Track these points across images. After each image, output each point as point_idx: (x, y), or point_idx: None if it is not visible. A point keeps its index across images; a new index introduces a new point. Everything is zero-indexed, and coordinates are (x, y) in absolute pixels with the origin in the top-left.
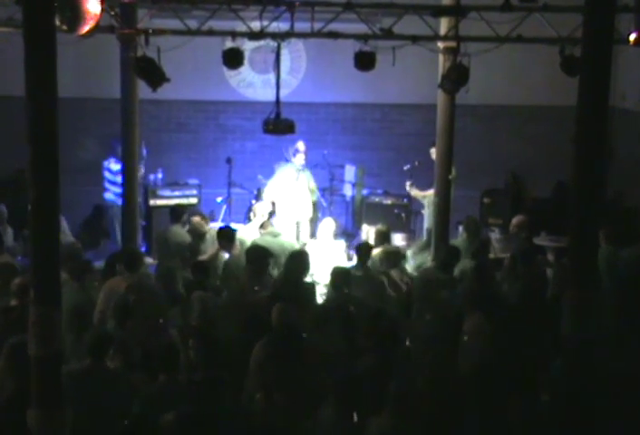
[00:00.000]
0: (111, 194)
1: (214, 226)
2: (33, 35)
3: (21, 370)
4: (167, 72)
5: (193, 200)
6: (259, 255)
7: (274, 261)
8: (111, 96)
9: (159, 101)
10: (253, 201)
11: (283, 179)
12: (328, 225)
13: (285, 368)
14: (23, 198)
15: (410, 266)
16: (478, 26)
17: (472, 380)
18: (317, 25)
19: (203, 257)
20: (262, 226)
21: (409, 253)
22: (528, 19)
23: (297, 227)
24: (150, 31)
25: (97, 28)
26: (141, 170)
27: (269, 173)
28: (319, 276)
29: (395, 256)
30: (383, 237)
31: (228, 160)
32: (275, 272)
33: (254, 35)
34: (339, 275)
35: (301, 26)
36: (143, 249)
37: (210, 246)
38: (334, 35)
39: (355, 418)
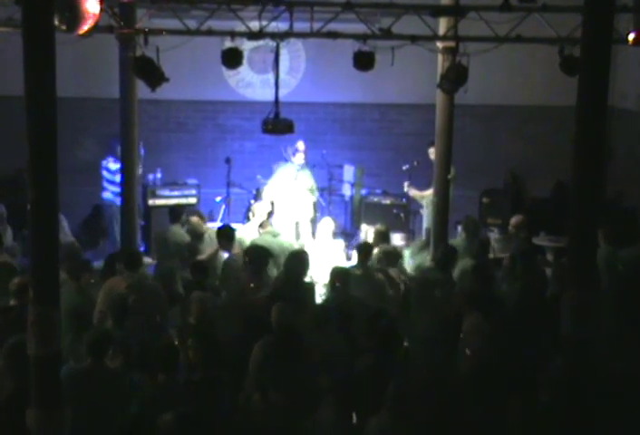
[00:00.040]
0: (110, 193)
1: (213, 225)
2: (33, 35)
3: (20, 370)
4: (166, 72)
5: (192, 200)
6: (259, 254)
7: (273, 261)
8: (109, 96)
9: (158, 100)
10: (252, 201)
11: (282, 179)
12: (327, 225)
13: (284, 368)
14: (22, 198)
15: (409, 266)
16: (477, 26)
17: (471, 380)
18: (316, 25)
19: (202, 257)
20: (261, 225)
21: (408, 253)
22: (527, 19)
23: (296, 227)
24: (148, 30)
25: (96, 28)
26: (139, 170)
27: (268, 173)
28: (318, 276)
29: (393, 256)
30: (382, 237)
31: (227, 160)
32: (274, 272)
33: (253, 35)
34: (338, 275)
35: (300, 26)
36: (142, 249)
37: (209, 246)
38: (333, 35)
39: (354, 418)
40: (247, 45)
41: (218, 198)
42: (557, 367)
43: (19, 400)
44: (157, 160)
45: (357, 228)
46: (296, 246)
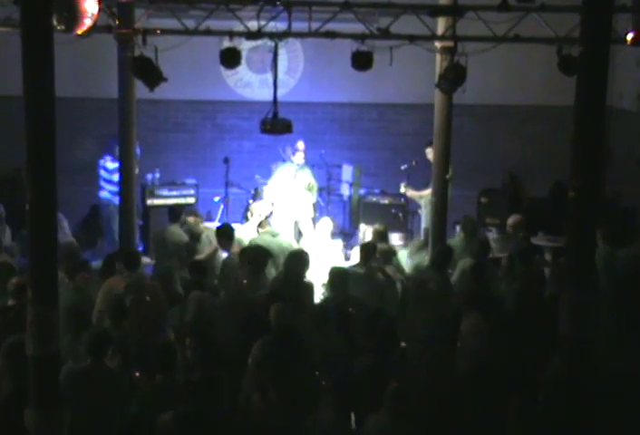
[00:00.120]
0: (107, 192)
1: (211, 225)
2: (31, 35)
3: (19, 370)
4: (164, 72)
5: (191, 200)
6: (258, 254)
7: (272, 261)
8: (108, 96)
9: (156, 100)
10: (250, 201)
11: (282, 178)
12: (325, 224)
13: (283, 368)
14: (20, 198)
15: (407, 266)
16: (475, 26)
17: (471, 380)
18: (315, 25)
19: (200, 257)
20: (260, 225)
21: (406, 252)
22: (525, 19)
23: (295, 226)
24: (144, 30)
25: (94, 28)
26: (136, 170)
27: (267, 173)
28: (316, 276)
29: (387, 253)
30: (381, 237)
31: (226, 160)
32: (272, 271)
33: (251, 35)
34: (337, 275)
35: (298, 26)
36: (141, 249)
37: (207, 246)
38: (331, 35)
39: (353, 417)
40: (245, 45)
41: (217, 198)
42: (555, 367)
43: (18, 400)
44: (155, 160)
45: (356, 228)
46: (295, 245)
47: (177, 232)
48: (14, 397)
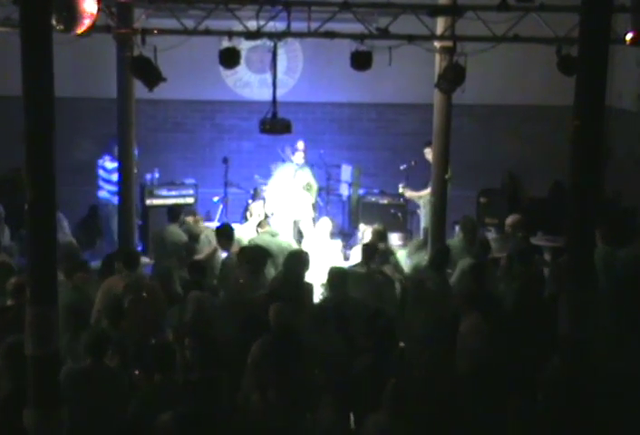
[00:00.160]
0: (106, 192)
1: (210, 225)
2: (30, 35)
3: (17, 370)
4: (163, 72)
5: (190, 200)
6: (257, 254)
7: (271, 260)
8: (107, 96)
9: (155, 100)
10: (249, 201)
11: (281, 178)
12: (325, 224)
13: (282, 368)
14: (19, 198)
15: (406, 266)
16: (474, 26)
17: (470, 380)
18: (314, 25)
19: (200, 257)
20: (259, 225)
21: (405, 253)
22: (524, 19)
23: (295, 226)
24: (143, 30)
25: (93, 28)
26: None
27: (266, 173)
28: (316, 276)
29: (385, 253)
30: (380, 237)
31: (225, 160)
32: (272, 271)
33: (250, 35)
34: (336, 275)
35: (298, 26)
36: (140, 249)
37: (206, 246)
38: (330, 35)
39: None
40: (244, 45)
41: (216, 198)
42: (554, 367)
43: (17, 400)
44: (154, 160)
45: (355, 228)
46: (295, 245)
47: (176, 232)
48: (13, 397)
